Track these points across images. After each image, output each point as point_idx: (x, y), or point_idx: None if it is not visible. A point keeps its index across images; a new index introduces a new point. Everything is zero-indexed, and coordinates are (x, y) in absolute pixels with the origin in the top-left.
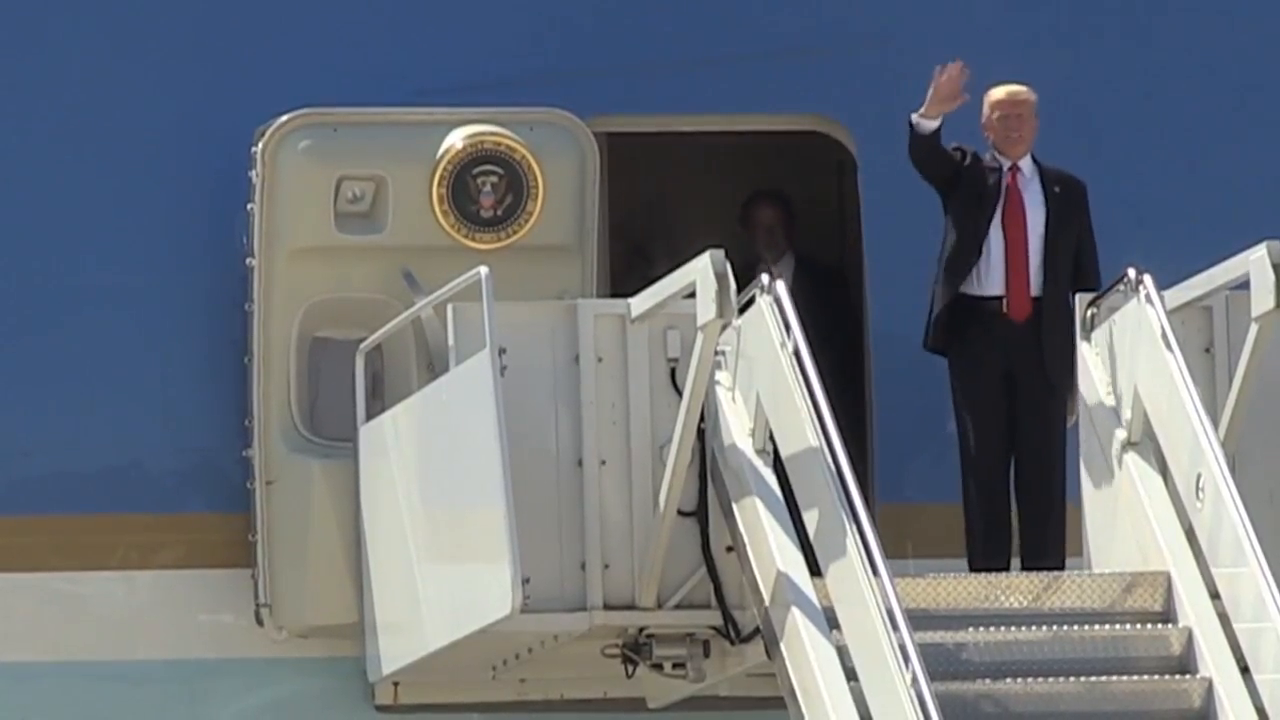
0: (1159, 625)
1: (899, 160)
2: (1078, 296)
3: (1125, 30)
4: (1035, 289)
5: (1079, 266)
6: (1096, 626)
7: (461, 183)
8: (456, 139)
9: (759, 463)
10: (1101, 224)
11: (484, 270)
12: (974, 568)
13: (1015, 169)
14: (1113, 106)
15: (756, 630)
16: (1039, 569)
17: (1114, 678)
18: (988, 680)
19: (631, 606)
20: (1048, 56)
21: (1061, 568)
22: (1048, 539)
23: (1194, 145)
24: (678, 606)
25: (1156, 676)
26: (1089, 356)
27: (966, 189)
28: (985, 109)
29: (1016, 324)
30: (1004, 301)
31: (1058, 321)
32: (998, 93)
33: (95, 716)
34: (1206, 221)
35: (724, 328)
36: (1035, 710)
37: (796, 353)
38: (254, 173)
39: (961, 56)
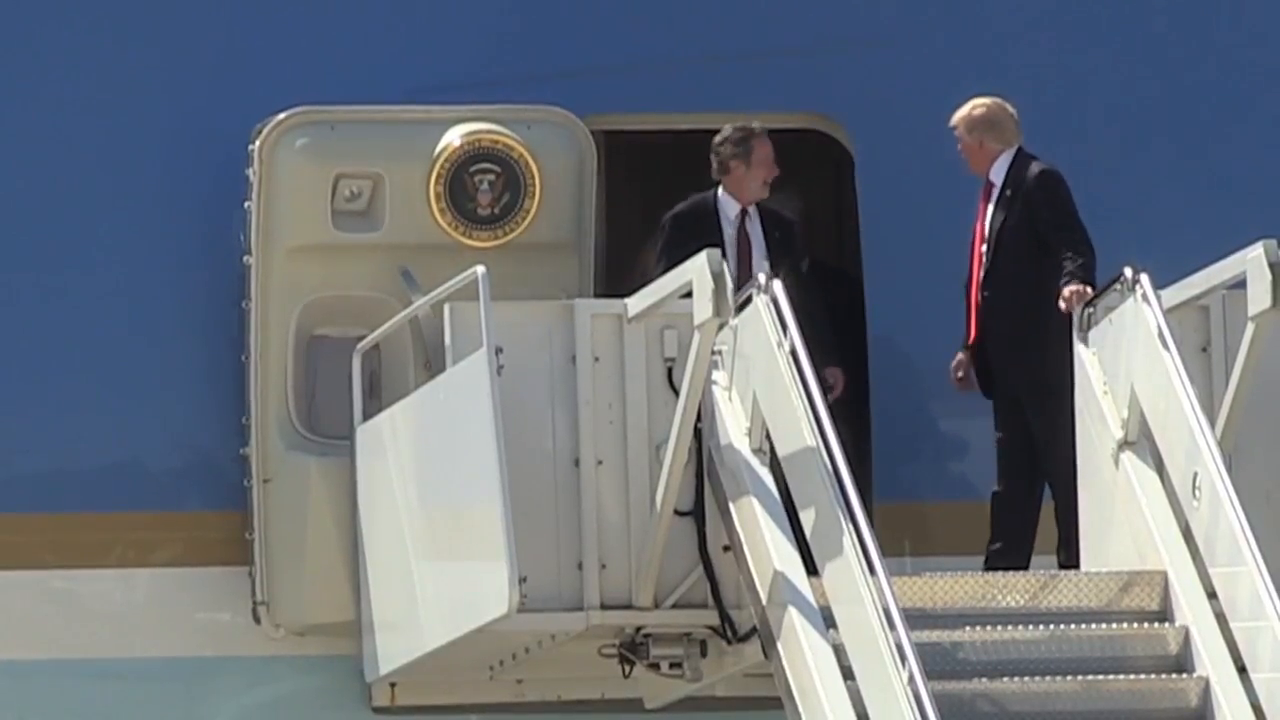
0: (1156, 624)
1: (896, 159)
2: (1069, 293)
3: (1124, 27)
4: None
5: (1049, 251)
6: (1093, 625)
7: (459, 181)
8: (454, 137)
9: (756, 462)
10: (1099, 222)
11: (480, 270)
12: (988, 567)
13: (989, 183)
14: (1110, 104)
15: (753, 630)
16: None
17: (1111, 677)
18: (984, 679)
19: (628, 606)
20: (1047, 55)
21: (1075, 565)
22: (1063, 535)
23: (1193, 143)
24: (675, 606)
25: (1153, 675)
26: (1085, 356)
27: None
28: None
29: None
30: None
31: (1002, 328)
32: None
33: (92, 714)
34: (1204, 219)
35: (721, 327)
36: (1032, 709)
37: (793, 352)
38: (251, 170)
39: (959, 55)
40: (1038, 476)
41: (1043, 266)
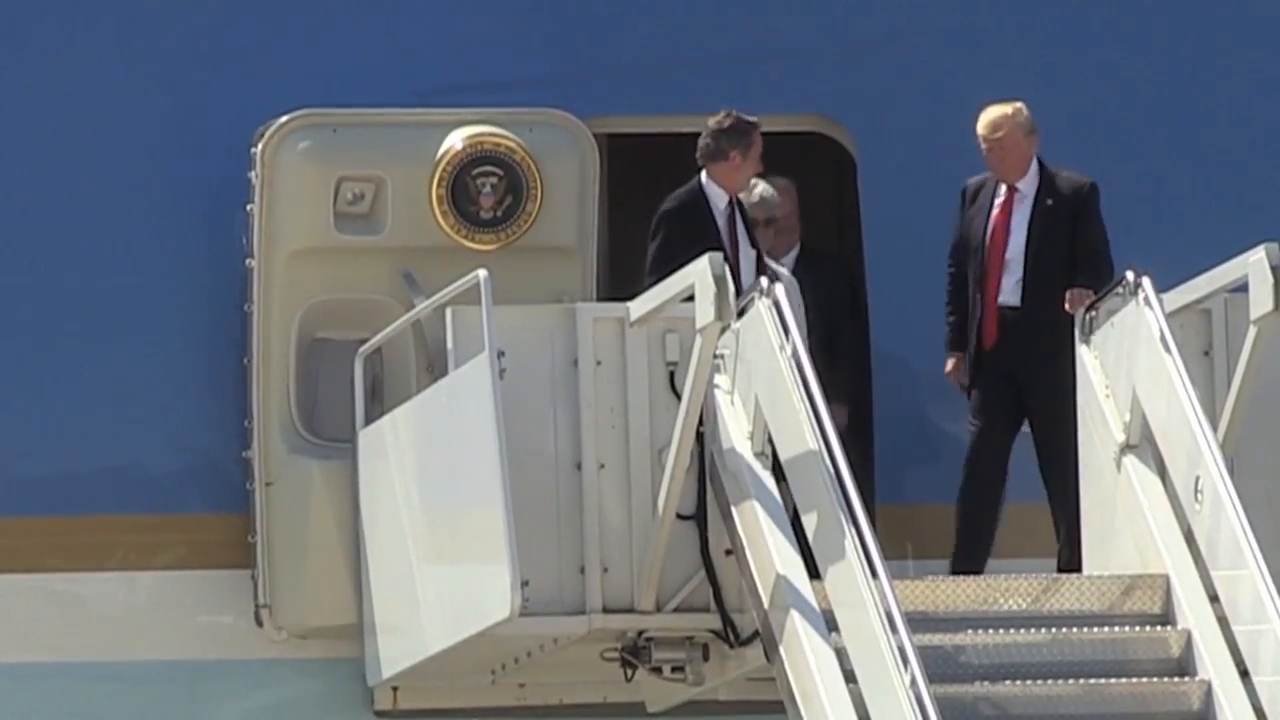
0: (1158, 627)
1: (898, 161)
2: (1071, 295)
3: (1126, 27)
4: (1013, 307)
5: (1078, 266)
6: (1095, 629)
7: (461, 183)
8: (456, 140)
9: (758, 466)
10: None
11: (482, 273)
12: (954, 570)
13: (1013, 189)
14: (1111, 104)
15: (755, 633)
16: (1068, 569)
17: (1113, 680)
18: (986, 683)
19: (630, 610)
20: (1047, 55)
21: (1078, 568)
22: (1063, 539)
23: (1194, 144)
24: (677, 610)
25: (1155, 679)
26: (1088, 359)
27: (972, 215)
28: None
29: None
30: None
31: (1038, 338)
32: (980, 123)
33: (94, 717)
34: (1208, 222)
35: (723, 330)
36: (1034, 713)
37: (795, 355)
38: (253, 173)
39: (962, 58)
40: (1003, 485)
41: (1084, 271)
